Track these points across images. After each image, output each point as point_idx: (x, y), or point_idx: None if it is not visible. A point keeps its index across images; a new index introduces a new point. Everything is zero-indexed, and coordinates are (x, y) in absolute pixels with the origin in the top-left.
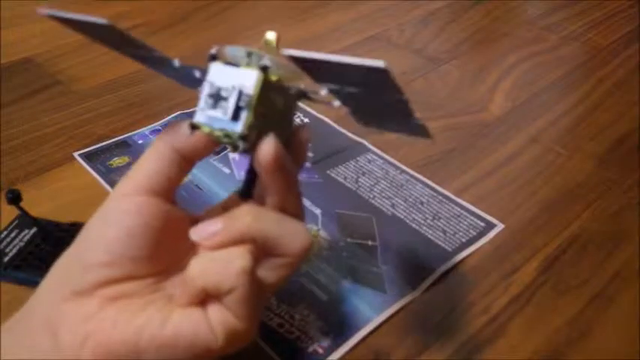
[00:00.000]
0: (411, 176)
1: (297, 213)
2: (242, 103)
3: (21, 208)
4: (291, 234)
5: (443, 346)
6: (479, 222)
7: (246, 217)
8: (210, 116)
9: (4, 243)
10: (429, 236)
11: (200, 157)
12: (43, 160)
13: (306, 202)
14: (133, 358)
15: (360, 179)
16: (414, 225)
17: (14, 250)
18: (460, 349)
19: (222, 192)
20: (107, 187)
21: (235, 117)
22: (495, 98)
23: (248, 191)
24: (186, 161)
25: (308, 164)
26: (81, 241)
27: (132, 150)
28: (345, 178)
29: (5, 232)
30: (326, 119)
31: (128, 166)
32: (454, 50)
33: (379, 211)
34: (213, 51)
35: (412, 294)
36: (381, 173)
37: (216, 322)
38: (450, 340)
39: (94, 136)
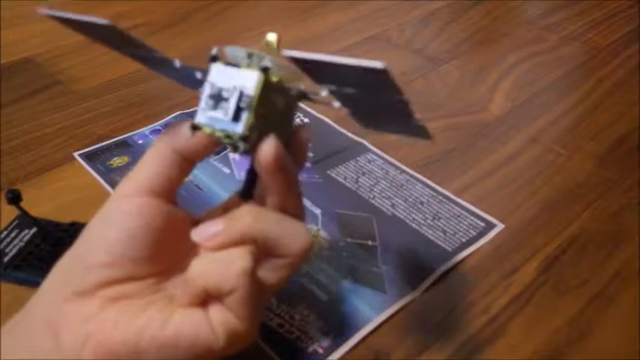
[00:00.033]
0: (411, 176)
1: (298, 213)
2: (243, 104)
3: (21, 208)
4: (291, 234)
5: (443, 346)
6: (479, 222)
7: (247, 218)
8: (211, 117)
9: (4, 243)
10: (429, 236)
11: (201, 157)
12: (43, 160)
13: (306, 202)
14: (133, 359)
15: (360, 179)
16: (414, 225)
17: (14, 250)
18: (460, 349)
19: (223, 192)
20: (107, 187)
21: (236, 118)
22: (495, 98)
23: (249, 192)
24: (186, 162)
25: (308, 164)
26: (82, 241)
27: (132, 150)
28: (345, 178)
29: (5, 232)
30: (326, 119)
31: (128, 166)
32: (454, 50)
33: (379, 211)
34: (214, 52)
35: (412, 294)
36: (381, 173)
37: (217, 322)
38: (450, 340)
39: (94, 136)
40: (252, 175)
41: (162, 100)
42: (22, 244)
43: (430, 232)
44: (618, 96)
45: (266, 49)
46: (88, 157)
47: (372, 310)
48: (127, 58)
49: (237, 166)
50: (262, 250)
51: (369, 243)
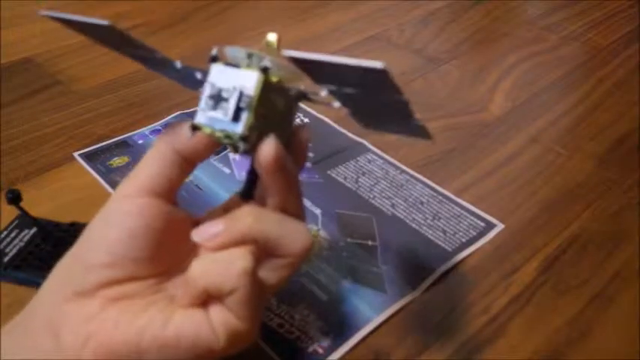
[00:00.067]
0: (411, 176)
1: (298, 213)
2: (243, 104)
3: (21, 208)
4: (292, 234)
5: (443, 346)
6: (479, 222)
7: (247, 218)
8: (210, 117)
9: (4, 243)
10: (429, 236)
11: (201, 158)
12: (43, 160)
13: (306, 202)
14: (134, 359)
15: (360, 179)
16: (414, 225)
17: (14, 250)
18: (460, 349)
19: (223, 192)
20: (107, 187)
21: (236, 118)
22: (495, 98)
23: (249, 192)
24: (187, 162)
25: (308, 164)
26: (83, 242)
27: (132, 150)
28: (345, 178)
29: (5, 232)
30: (326, 119)
31: (128, 166)
32: (454, 50)
33: (379, 211)
34: (213, 52)
35: (412, 294)
36: (381, 173)
37: (218, 322)
38: (450, 340)
39: (94, 136)
40: (252, 176)
41: (162, 100)
42: (22, 244)
43: (430, 232)
44: (618, 96)
45: (266, 49)
46: (88, 157)
47: (372, 310)
48: (127, 59)
49: (237, 166)
50: (263, 250)
51: (369, 243)
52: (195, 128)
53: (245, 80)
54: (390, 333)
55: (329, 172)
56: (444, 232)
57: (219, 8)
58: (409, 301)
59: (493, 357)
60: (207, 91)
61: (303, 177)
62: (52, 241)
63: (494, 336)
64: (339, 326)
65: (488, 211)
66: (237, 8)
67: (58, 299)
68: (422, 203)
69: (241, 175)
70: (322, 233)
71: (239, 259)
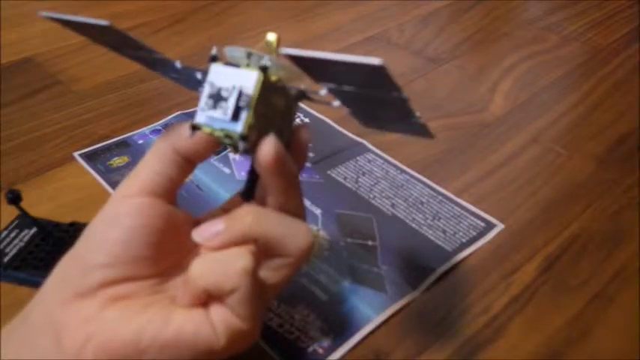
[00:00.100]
0: (411, 176)
1: (299, 213)
2: (242, 104)
3: (21, 208)
4: (292, 234)
5: (443, 346)
6: (479, 222)
7: (248, 218)
8: (210, 117)
9: (4, 243)
10: (429, 236)
11: (201, 158)
12: (43, 160)
13: (306, 202)
14: (134, 359)
15: (360, 179)
16: (414, 225)
17: (14, 250)
18: (460, 349)
19: (223, 192)
20: (107, 187)
21: (235, 117)
22: (495, 98)
23: (250, 192)
24: (187, 162)
25: (308, 164)
26: (83, 242)
27: (132, 150)
28: (345, 178)
29: (5, 232)
30: (326, 119)
31: (128, 166)
32: (454, 50)
33: (379, 211)
34: (213, 52)
35: (412, 294)
36: (381, 173)
37: (219, 322)
38: (450, 340)
39: (94, 136)
40: (252, 175)
41: (162, 100)
42: (22, 244)
43: (430, 232)
44: (618, 96)
45: (266, 49)
46: (88, 157)
47: (372, 310)
48: (127, 59)
49: (237, 166)
50: (263, 249)
51: (369, 243)
52: (195, 128)
53: (244, 79)
54: (390, 333)
55: (329, 172)
56: (444, 232)
57: (219, 8)
58: (409, 301)
59: (493, 357)
60: (206, 90)
61: (303, 177)
62: (52, 241)
63: (494, 336)
64: (339, 326)
65: (488, 211)
66: (237, 8)
67: (57, 299)
68: (422, 203)
69: (241, 175)
70: (322, 233)
71: (239, 259)
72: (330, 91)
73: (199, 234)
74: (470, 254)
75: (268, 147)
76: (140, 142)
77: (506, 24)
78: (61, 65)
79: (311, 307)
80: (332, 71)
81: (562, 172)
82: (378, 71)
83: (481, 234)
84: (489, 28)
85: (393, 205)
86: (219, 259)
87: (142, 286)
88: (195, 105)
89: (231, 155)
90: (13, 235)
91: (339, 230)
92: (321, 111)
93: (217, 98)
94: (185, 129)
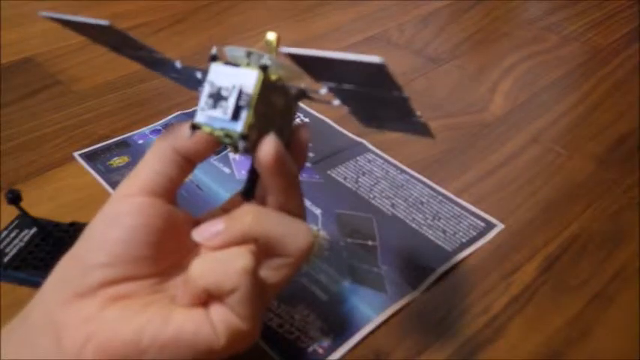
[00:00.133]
0: (411, 176)
1: (299, 212)
2: (242, 103)
3: (21, 208)
4: (292, 234)
5: (443, 346)
6: (479, 222)
7: (248, 217)
8: (210, 116)
9: (4, 243)
10: (429, 236)
11: (201, 158)
12: (43, 160)
13: (307, 202)
14: (134, 359)
15: (360, 179)
16: (414, 225)
17: (14, 250)
18: (460, 349)
19: (223, 192)
20: (107, 187)
21: (235, 116)
22: (495, 98)
23: (250, 191)
24: (187, 162)
25: (308, 164)
26: (83, 242)
27: (132, 150)
28: (345, 178)
29: (5, 232)
30: (326, 119)
31: (128, 166)
32: (454, 50)
33: (379, 211)
34: (213, 51)
35: (412, 294)
36: (381, 173)
37: (219, 321)
38: (450, 340)
39: (94, 136)
40: (253, 175)
41: (162, 100)
42: (22, 244)
43: (430, 232)
44: (618, 96)
45: (266, 49)
46: (88, 157)
47: (372, 310)
48: (127, 59)
49: (237, 166)
50: (263, 249)
51: (369, 243)
52: (195, 127)
53: (244, 78)
54: (390, 333)
55: (329, 172)
56: (444, 232)
57: (219, 8)
58: (409, 301)
59: (493, 357)
60: (206, 90)
61: (303, 177)
62: (52, 241)
63: (494, 336)
64: (339, 326)
65: (488, 211)
66: (237, 8)
67: (57, 299)
68: (422, 203)
69: (241, 174)
70: (322, 233)
71: (239, 258)
72: (330, 89)
73: (199, 234)
74: (470, 254)
75: (268, 146)
76: (140, 142)
77: (506, 24)
78: (61, 65)
79: (311, 307)
80: (332, 70)
81: (562, 172)
82: (379, 69)
83: (481, 234)
84: (489, 28)
85: (393, 205)
86: (219, 259)
87: (142, 286)
88: (195, 105)
89: (231, 155)
90: (13, 235)
91: (339, 230)
92: (321, 111)
93: (217, 98)
94: (185, 129)
